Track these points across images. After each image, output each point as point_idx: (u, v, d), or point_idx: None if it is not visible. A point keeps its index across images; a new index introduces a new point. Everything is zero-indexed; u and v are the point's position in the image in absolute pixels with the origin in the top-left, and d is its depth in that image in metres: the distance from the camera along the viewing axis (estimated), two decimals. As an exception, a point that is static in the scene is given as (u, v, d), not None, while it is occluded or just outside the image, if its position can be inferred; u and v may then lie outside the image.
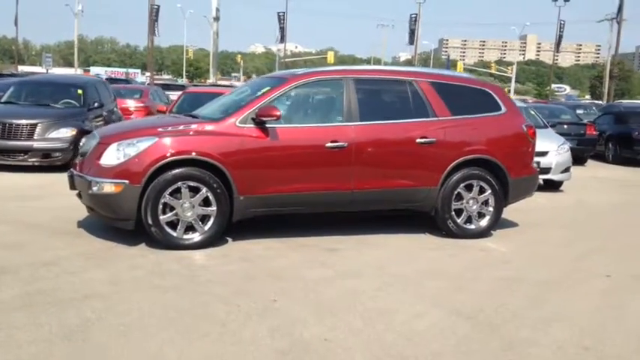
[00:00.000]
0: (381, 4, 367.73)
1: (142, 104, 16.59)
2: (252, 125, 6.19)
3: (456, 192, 6.84)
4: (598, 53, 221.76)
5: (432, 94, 6.87)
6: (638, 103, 37.14)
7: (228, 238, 6.36)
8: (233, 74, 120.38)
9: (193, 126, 6.18)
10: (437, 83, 6.99)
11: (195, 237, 6.05)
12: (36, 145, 10.26)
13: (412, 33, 55.00)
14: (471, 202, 6.91)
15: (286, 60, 71.63)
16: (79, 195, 6.41)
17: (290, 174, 6.31)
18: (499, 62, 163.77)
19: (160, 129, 6.13)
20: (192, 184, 5.99)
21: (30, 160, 10.30)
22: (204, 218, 6.08)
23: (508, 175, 6.99)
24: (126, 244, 6.11)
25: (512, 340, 4.11)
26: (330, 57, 62.71)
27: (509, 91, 68.57)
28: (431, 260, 6.01)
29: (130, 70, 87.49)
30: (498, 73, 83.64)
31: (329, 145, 6.35)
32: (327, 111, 6.75)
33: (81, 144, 6.72)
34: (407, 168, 6.69)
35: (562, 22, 60.03)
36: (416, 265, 5.84)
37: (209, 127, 6.16)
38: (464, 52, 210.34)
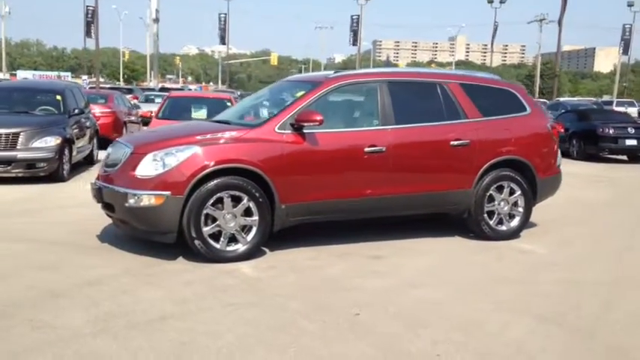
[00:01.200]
0: (317, 6, 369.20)
1: (108, 109, 15.93)
2: (291, 131, 5.97)
3: (488, 194, 6.81)
4: (523, 53, 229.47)
5: (462, 95, 6.83)
6: (577, 101, 38.51)
7: (264, 249, 6.12)
8: (168, 76, 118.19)
9: (233, 133, 5.92)
10: (466, 85, 6.96)
11: (239, 248, 5.80)
12: (20, 155, 9.63)
13: (355, 34, 55.43)
14: (502, 203, 6.91)
15: (227, 62, 70.75)
16: (107, 208, 6.03)
17: (330, 180, 6.14)
18: (431, 63, 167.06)
19: (197, 137, 5.84)
20: (234, 193, 5.73)
21: (13, 171, 9.67)
22: (244, 229, 5.83)
23: (537, 175, 7.03)
24: (162, 258, 5.79)
25: (613, 346, 4.08)
26: (274, 59, 62.41)
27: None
28: (482, 265, 5.95)
29: (62, 74, 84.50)
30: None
31: (367, 149, 6.22)
32: (363, 115, 6.60)
33: (106, 154, 6.32)
34: (442, 171, 6.63)
35: (496, 24, 61.79)
36: (470, 270, 5.76)
37: (249, 134, 5.91)
38: (397, 53, 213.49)
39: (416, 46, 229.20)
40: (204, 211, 5.65)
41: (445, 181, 6.62)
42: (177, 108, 11.76)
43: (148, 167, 5.67)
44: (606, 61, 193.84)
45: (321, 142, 6.05)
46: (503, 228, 6.94)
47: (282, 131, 5.95)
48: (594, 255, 6.48)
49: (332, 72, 6.72)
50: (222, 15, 58.22)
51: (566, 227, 7.84)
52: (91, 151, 12.50)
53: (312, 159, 6.02)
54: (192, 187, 5.59)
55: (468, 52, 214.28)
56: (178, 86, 57.75)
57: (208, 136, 5.86)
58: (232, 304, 4.65)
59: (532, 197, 7.05)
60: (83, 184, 10.11)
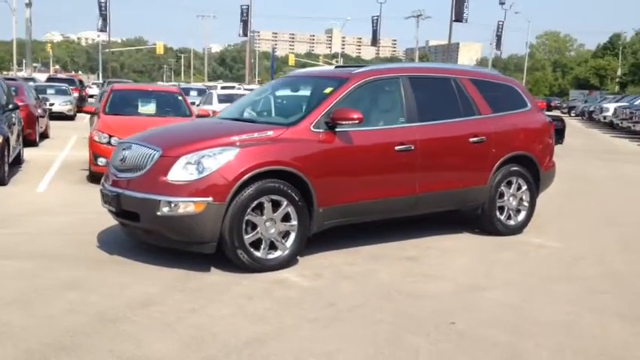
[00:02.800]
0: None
1: (20, 103, 14.52)
2: (325, 129, 5.68)
3: (500, 190, 6.87)
4: (395, 47, 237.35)
5: (474, 91, 6.82)
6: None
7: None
8: (34, 64, 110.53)
9: (269, 133, 5.52)
10: (476, 80, 6.96)
11: (279, 256, 5.44)
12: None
13: (245, 24, 54.68)
14: (511, 198, 6.99)
15: (107, 50, 67.32)
16: (128, 216, 5.44)
17: (364, 180, 5.92)
18: (309, 55, 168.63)
19: (234, 137, 5.40)
20: (274, 197, 5.36)
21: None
22: (283, 235, 5.48)
23: (540, 169, 7.18)
24: (193, 269, 5.33)
25: None
26: (160, 48, 60.16)
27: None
28: (515, 263, 5.94)
29: None
30: (327, 65, 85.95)
31: (398, 148, 6.05)
32: (390, 112, 6.38)
33: (118, 156, 5.68)
34: (463, 168, 6.60)
35: (376, 18, 63.14)
36: (509, 268, 5.73)
37: (285, 134, 5.54)
38: (275, 45, 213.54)
39: (293, 38, 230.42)
40: (246, 218, 5.25)
41: (466, 178, 6.60)
42: (123, 102, 10.95)
43: (182, 171, 5.18)
44: (467, 55, 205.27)
45: (355, 140, 5.81)
46: (512, 223, 7.03)
47: (318, 130, 5.65)
48: (612, 248, 6.65)
49: (350, 67, 6.47)
50: (102, 1, 55.27)
51: (563, 220, 7.96)
52: (20, 150, 11.37)
53: (346, 159, 5.76)
54: (234, 193, 5.16)
55: (344, 45, 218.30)
56: (55, 75, 53.89)
57: (244, 136, 5.43)
58: (314, 319, 4.32)
59: (536, 191, 7.19)
60: (29, 187, 9.21)
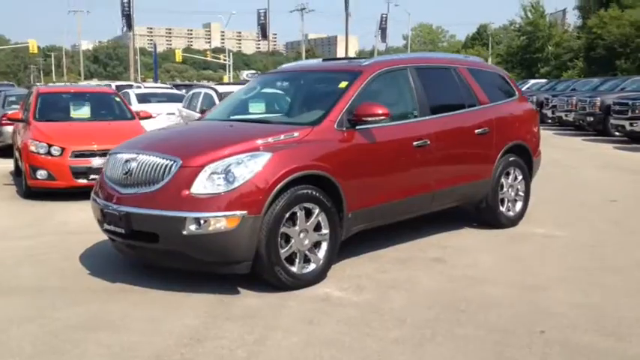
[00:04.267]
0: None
1: None
2: (347, 127, 5.23)
3: (500, 181, 6.72)
4: (275, 41, 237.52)
5: (472, 80, 6.61)
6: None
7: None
8: None
9: (295, 134, 4.99)
10: (471, 69, 6.75)
11: (313, 269, 4.95)
12: None
13: (128, 19, 52.15)
14: (509, 189, 6.86)
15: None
16: (139, 238, 4.73)
17: (388, 180, 5.53)
18: (187, 50, 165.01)
19: (259, 141, 4.83)
20: (307, 205, 4.86)
21: None
22: (314, 245, 5.00)
23: (533, 158, 7.11)
24: (222, 292, 4.74)
25: None
26: (33, 46, 56.25)
27: (227, 78, 69.45)
28: (543, 256, 5.75)
29: None
30: (214, 60, 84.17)
31: (416, 143, 5.72)
32: (402, 105, 5.98)
33: (120, 169, 4.91)
34: (471, 161, 6.37)
35: (263, 11, 62.62)
36: (548, 262, 5.53)
37: (311, 135, 5.03)
38: (151, 40, 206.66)
39: (170, 33, 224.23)
40: (281, 230, 4.71)
41: (474, 171, 6.37)
42: (54, 106, 9.84)
43: (208, 183, 4.55)
44: (344, 49, 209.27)
45: (377, 138, 5.40)
46: (511, 214, 6.89)
47: (341, 128, 5.19)
48: (621, 234, 6.62)
49: (359, 59, 6.04)
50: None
51: (557, 207, 7.86)
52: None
53: (370, 158, 5.35)
54: (269, 203, 4.61)
55: (223, 39, 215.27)
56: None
57: (270, 139, 4.87)
58: (399, 340, 3.88)
59: (529, 181, 7.12)
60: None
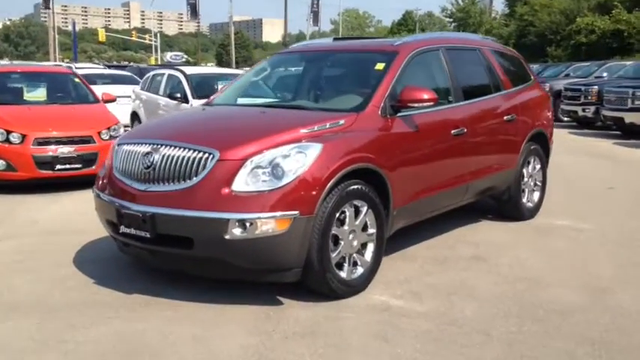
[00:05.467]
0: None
1: None
2: (391, 114, 4.69)
3: (522, 171, 6.35)
4: (198, 23, 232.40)
5: (495, 63, 6.18)
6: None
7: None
8: None
9: (341, 122, 4.39)
10: (493, 51, 6.33)
11: (362, 273, 4.40)
12: None
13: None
14: (529, 179, 6.51)
15: None
16: (168, 243, 4.04)
17: (429, 172, 5.04)
18: (107, 30, 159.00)
19: (304, 129, 4.22)
20: (356, 202, 4.31)
21: None
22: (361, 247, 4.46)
23: (549, 145, 6.80)
24: (263, 303, 4.14)
25: None
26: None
27: (155, 60, 67.05)
28: (582, 252, 5.39)
29: None
30: (139, 40, 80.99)
31: (454, 131, 5.25)
32: (437, 90, 5.42)
33: (146, 161, 4.18)
34: (500, 150, 5.95)
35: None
36: (592, 259, 5.18)
37: (357, 123, 4.46)
38: (65, 18, 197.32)
39: (86, 12, 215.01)
40: (332, 232, 4.13)
41: (502, 161, 5.96)
42: (3, 88, 8.77)
43: (251, 179, 3.91)
44: (272, 32, 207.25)
45: (419, 125, 4.88)
46: (531, 205, 6.55)
47: (384, 115, 4.64)
48: (631, 221, 6.44)
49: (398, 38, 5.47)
50: None
51: (567, 200, 7.53)
52: None
53: (413, 148, 4.83)
54: (321, 201, 4.01)
55: (143, 19, 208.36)
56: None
57: (316, 127, 4.26)
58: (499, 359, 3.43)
59: (546, 169, 6.80)
60: None
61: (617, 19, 32.29)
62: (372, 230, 4.44)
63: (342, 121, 4.38)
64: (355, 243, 4.33)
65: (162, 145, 4.17)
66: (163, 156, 4.10)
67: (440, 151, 5.11)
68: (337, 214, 4.14)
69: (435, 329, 3.79)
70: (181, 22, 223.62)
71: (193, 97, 9.69)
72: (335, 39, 6.37)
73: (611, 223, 6.38)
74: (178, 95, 9.77)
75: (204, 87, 10.15)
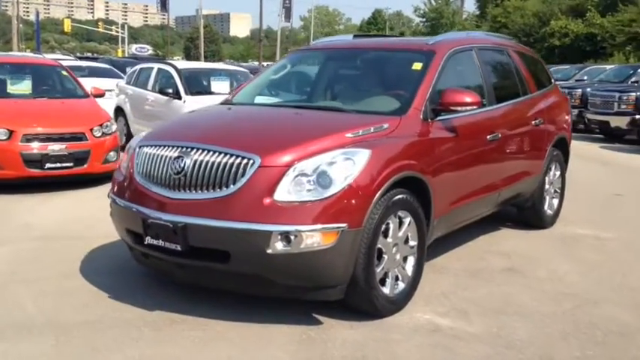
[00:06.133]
0: None
1: None
2: (432, 118, 4.39)
3: (545, 178, 6.12)
4: (164, 15, 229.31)
5: (521, 65, 5.93)
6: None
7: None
8: None
9: (385, 126, 4.06)
10: (519, 52, 6.08)
11: (403, 289, 4.08)
12: None
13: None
14: (550, 186, 6.28)
15: None
16: (194, 255, 3.66)
17: (467, 180, 4.77)
18: (72, 19, 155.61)
19: (348, 133, 3.88)
20: (400, 213, 3.99)
21: None
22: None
23: (569, 152, 6.59)
24: (299, 322, 3.81)
25: None
26: None
27: (123, 52, 65.67)
28: (615, 264, 5.17)
29: None
30: (106, 32, 79.22)
31: (490, 137, 4.98)
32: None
33: (176, 166, 3.78)
34: (529, 156, 5.70)
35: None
36: (630, 274, 5.01)
37: (401, 127, 4.13)
38: (27, 8, 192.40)
39: (49, 1, 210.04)
40: (377, 246, 3.81)
41: (529, 167, 5.72)
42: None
43: (294, 187, 3.57)
44: (239, 26, 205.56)
45: (458, 130, 4.59)
46: (550, 212, 6.32)
47: (425, 119, 4.33)
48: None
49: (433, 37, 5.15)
50: None
51: (577, 207, 7.40)
52: None
53: (453, 154, 4.53)
54: (370, 213, 3.69)
55: (107, 10, 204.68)
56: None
57: (360, 131, 3.93)
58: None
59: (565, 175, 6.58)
60: None
61: (591, 22, 32.65)
62: (413, 242, 4.13)
63: (386, 125, 4.06)
64: (398, 257, 4.02)
65: (193, 149, 3.78)
66: (196, 161, 3.71)
67: (477, 157, 4.83)
68: (383, 226, 3.81)
69: (495, 354, 3.50)
70: (147, 14, 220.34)
71: (186, 93, 9.25)
72: (355, 36, 6.01)
73: (633, 232, 6.19)
74: (170, 91, 9.32)
75: (196, 82, 9.73)
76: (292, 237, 3.47)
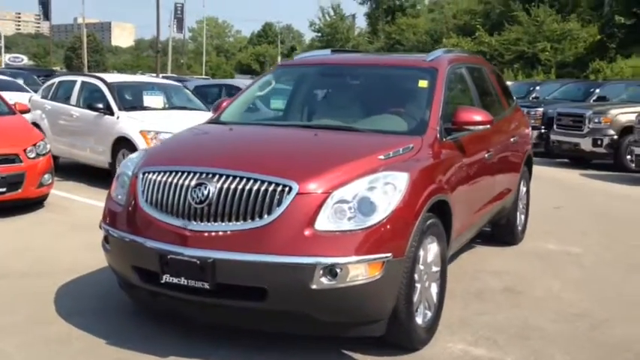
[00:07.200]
0: None
1: None
2: (445, 137, 4.24)
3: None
4: (38, 23, 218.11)
5: (496, 82, 5.96)
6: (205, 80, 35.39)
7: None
8: None
9: (410, 146, 3.85)
10: (492, 70, 6.10)
11: (430, 318, 3.85)
12: None
13: None
14: (520, 202, 6.32)
15: None
16: (223, 294, 3.28)
17: (472, 201, 4.67)
18: None
19: (380, 156, 3.64)
20: (429, 239, 3.79)
21: None
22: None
23: (532, 167, 6.69)
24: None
25: None
26: None
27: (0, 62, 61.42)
28: (600, 281, 5.21)
29: None
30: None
31: (487, 155, 4.92)
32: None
33: (204, 194, 3.34)
34: (509, 172, 5.69)
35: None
36: (621, 290, 5.08)
37: (424, 148, 3.94)
38: None
39: None
40: (415, 275, 3.59)
41: (509, 184, 5.72)
42: None
43: (335, 215, 3.28)
44: (122, 36, 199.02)
45: (466, 149, 4.48)
46: (520, 228, 6.37)
47: (441, 138, 4.18)
48: (617, 243, 6.46)
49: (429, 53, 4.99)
50: None
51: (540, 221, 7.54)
52: None
53: (463, 174, 4.40)
54: (411, 240, 3.46)
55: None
56: None
57: (391, 153, 3.70)
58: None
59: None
60: None
61: (480, 41, 34.24)
62: (436, 268, 3.94)
63: (411, 146, 3.85)
64: (427, 284, 3.80)
65: (215, 175, 3.39)
66: (221, 189, 3.32)
67: (479, 175, 4.74)
68: (419, 253, 3.60)
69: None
70: (19, 21, 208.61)
71: (120, 109, 8.60)
72: (333, 51, 5.77)
73: (596, 246, 6.35)
74: (100, 106, 8.63)
75: (130, 97, 9.09)
76: (338, 270, 3.18)
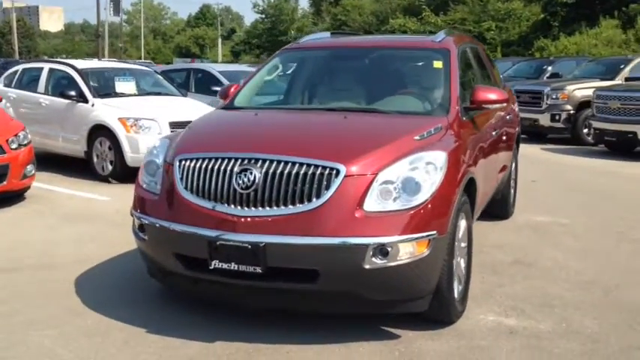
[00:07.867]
0: None
1: None
2: (467, 117, 4.34)
3: (511, 169, 6.35)
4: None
5: (488, 62, 6.10)
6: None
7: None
8: None
9: (439, 126, 3.93)
10: (484, 50, 6.22)
11: (460, 292, 3.96)
12: None
13: None
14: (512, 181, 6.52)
15: None
16: (274, 277, 3.30)
17: (487, 176, 4.78)
18: None
19: (415, 136, 3.70)
20: (460, 215, 3.89)
21: None
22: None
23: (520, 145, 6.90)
24: (371, 337, 3.58)
25: None
26: None
27: None
28: (601, 251, 5.45)
29: None
30: None
31: (493, 133, 5.05)
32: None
33: (250, 179, 3.31)
34: (507, 149, 5.83)
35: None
36: (618, 259, 5.32)
37: (451, 128, 4.01)
38: None
39: None
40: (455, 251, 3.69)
41: (507, 159, 5.89)
42: None
43: (381, 196, 3.34)
44: (50, 20, 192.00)
45: (480, 127, 4.60)
46: (511, 202, 6.57)
47: (462, 117, 4.27)
48: (603, 212, 6.75)
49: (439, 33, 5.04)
50: None
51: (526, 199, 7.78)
52: None
53: (480, 152, 4.48)
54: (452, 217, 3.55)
55: None
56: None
57: (425, 133, 3.76)
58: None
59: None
60: None
61: (427, 21, 34.61)
62: (464, 244, 4.04)
63: (440, 125, 3.92)
64: (459, 259, 3.91)
65: (259, 160, 3.37)
66: (267, 173, 3.32)
67: (491, 154, 4.86)
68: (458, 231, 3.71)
69: (590, 351, 3.51)
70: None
71: (94, 96, 8.38)
72: (332, 34, 5.76)
73: (582, 216, 6.62)
74: (72, 93, 8.38)
75: (102, 83, 8.85)
76: (389, 249, 3.24)
